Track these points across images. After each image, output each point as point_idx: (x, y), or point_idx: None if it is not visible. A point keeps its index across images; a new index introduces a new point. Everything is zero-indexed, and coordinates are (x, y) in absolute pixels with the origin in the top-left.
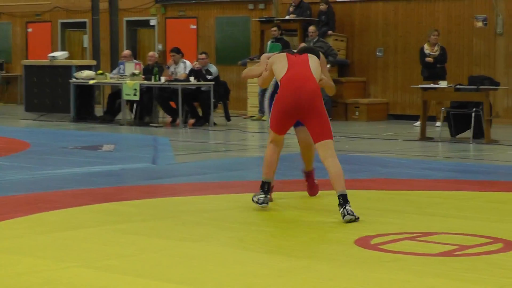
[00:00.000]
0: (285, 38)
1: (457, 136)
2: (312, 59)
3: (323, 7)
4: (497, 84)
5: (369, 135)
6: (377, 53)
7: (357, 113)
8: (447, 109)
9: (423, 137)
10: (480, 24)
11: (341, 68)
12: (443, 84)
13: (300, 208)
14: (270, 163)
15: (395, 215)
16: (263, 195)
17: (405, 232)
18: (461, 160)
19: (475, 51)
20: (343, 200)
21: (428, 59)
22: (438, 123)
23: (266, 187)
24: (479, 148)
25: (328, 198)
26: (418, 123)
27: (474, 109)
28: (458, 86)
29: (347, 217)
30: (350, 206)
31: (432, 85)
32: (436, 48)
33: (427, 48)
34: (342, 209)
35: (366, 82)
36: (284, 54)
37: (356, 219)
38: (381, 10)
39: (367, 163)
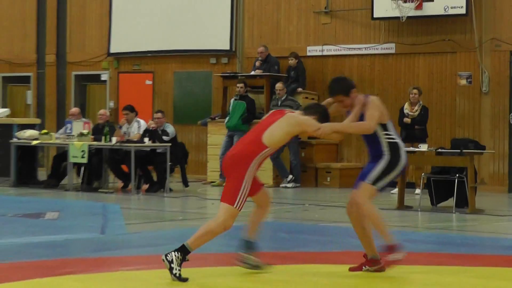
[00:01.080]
0: (250, 95)
1: (439, 205)
2: (283, 119)
3: (292, 62)
4: (483, 147)
5: (341, 203)
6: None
7: (328, 178)
8: (427, 175)
9: (401, 206)
10: (464, 81)
11: None
12: (423, 147)
13: None
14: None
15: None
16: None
17: None
18: (442, 231)
19: (458, 111)
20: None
21: (405, 119)
22: (417, 190)
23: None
24: (462, 218)
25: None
26: (395, 190)
27: (457, 175)
28: (439, 150)
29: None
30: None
31: (411, 149)
32: (416, 108)
33: (406, 108)
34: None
35: (339, 144)
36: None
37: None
38: (356, 65)
39: (339, 234)
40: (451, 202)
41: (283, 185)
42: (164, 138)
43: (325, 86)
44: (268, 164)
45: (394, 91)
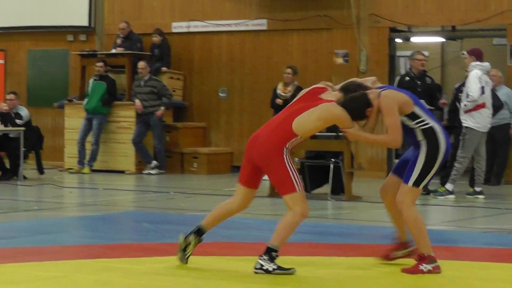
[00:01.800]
0: (111, 75)
1: (313, 192)
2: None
3: (156, 39)
4: None
5: (209, 191)
6: (220, 94)
7: (195, 164)
8: (301, 160)
9: (273, 193)
10: (340, 60)
11: (177, 112)
12: None
13: None
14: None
15: (248, 285)
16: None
17: None
18: (317, 219)
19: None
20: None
21: (278, 100)
22: None
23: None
24: (338, 206)
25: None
26: (267, 176)
27: (333, 160)
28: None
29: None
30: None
31: None
32: (290, 88)
33: (279, 88)
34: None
35: (207, 128)
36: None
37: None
38: (225, 43)
39: None
40: (327, 188)
41: (147, 171)
42: (17, 121)
43: (192, 65)
44: (129, 150)
45: (267, 71)
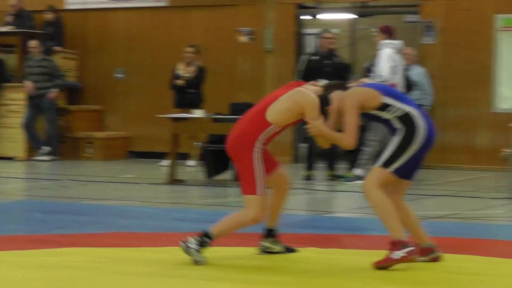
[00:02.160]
0: (0, 55)
1: (215, 178)
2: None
3: (49, 16)
4: None
5: (105, 178)
6: (117, 75)
7: (90, 150)
8: (202, 145)
9: (173, 180)
10: (244, 38)
11: (70, 94)
12: (197, 113)
13: None
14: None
15: (138, 278)
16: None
17: None
18: (219, 208)
19: (238, 72)
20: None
21: (178, 81)
22: (191, 162)
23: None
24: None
25: None
26: (166, 162)
27: None
28: (217, 116)
29: None
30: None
31: (183, 115)
32: (192, 68)
33: (180, 68)
34: None
35: (102, 111)
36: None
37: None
38: (122, 20)
39: (102, 213)
40: (228, 175)
41: (38, 158)
42: None
43: (87, 44)
44: (19, 135)
45: (167, 50)
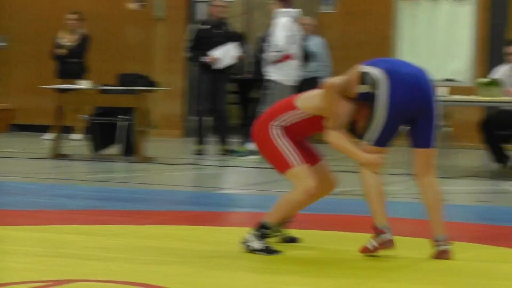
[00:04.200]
0: None
1: (102, 153)
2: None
3: None
4: (155, 84)
5: None
6: None
7: None
8: (88, 117)
9: (57, 154)
10: (133, 5)
11: None
12: (83, 84)
13: None
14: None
15: (18, 258)
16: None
17: (33, 281)
18: (106, 184)
19: (127, 41)
20: None
21: (59, 51)
22: (76, 136)
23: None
24: (130, 168)
25: None
26: (50, 136)
27: (124, 117)
28: (104, 87)
29: None
30: None
31: (67, 86)
32: (74, 36)
33: (62, 37)
34: None
35: None
36: None
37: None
38: None
39: None
40: (115, 149)
41: None
42: None
43: None
44: None
45: (52, 17)
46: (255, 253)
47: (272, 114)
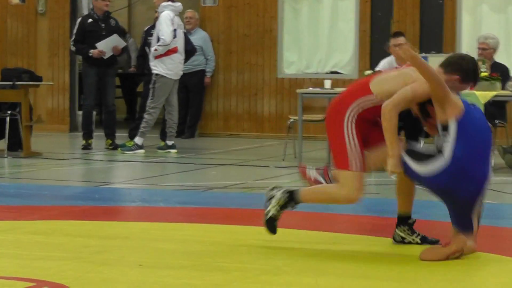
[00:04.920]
0: None
1: None
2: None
3: None
4: (39, 79)
5: None
6: None
7: None
8: None
9: None
10: (16, 0)
11: None
12: None
13: None
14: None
15: None
16: None
17: None
18: None
19: (10, 35)
20: None
21: None
22: None
23: None
24: (16, 163)
25: None
26: None
27: (9, 112)
28: None
29: None
30: None
31: None
32: None
33: None
34: None
35: None
36: None
37: None
38: None
39: None
40: (3, 144)
41: None
42: None
43: None
44: None
45: None
46: (266, 216)
47: (348, 97)
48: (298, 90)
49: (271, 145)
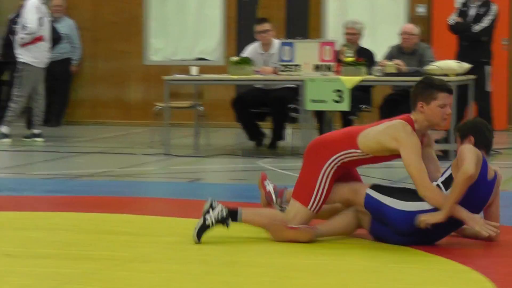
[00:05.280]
0: None
1: None
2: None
3: None
4: None
5: None
6: None
7: None
8: None
9: None
10: None
11: None
12: None
13: None
14: None
15: None
16: None
17: None
18: None
19: None
20: None
21: None
22: None
23: None
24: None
25: None
26: None
27: None
28: None
29: None
30: None
31: None
32: None
33: None
34: None
35: None
36: None
37: None
38: None
39: None
40: None
41: None
42: None
43: None
44: None
45: None
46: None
47: (334, 146)
48: (165, 77)
49: (138, 133)
